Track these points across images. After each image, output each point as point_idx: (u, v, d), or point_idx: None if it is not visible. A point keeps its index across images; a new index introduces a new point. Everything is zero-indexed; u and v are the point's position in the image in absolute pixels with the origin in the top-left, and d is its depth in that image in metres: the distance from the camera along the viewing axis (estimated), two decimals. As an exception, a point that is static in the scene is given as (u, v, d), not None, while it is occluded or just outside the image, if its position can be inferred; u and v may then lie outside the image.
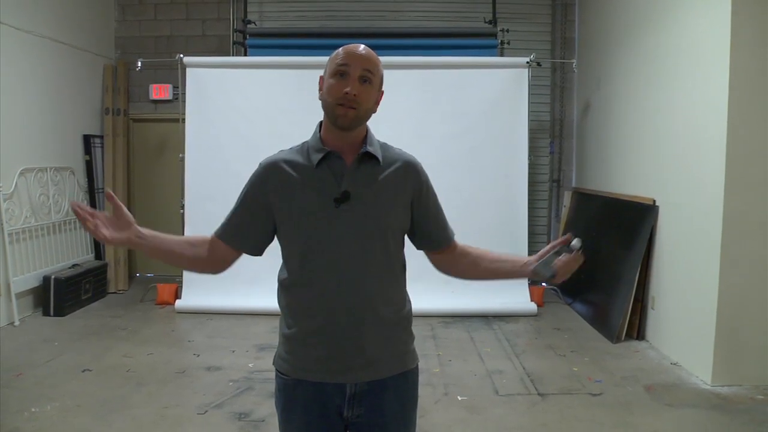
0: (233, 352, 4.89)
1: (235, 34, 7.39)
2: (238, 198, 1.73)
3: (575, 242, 1.69)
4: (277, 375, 1.75)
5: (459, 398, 3.98)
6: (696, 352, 4.42)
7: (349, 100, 1.60)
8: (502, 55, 6.87)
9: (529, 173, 6.31)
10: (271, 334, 5.33)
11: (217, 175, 6.20)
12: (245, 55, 7.12)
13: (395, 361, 1.74)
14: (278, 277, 1.75)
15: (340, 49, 1.66)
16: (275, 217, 1.68)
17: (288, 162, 1.69)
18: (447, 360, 4.74)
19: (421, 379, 4.29)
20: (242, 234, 1.72)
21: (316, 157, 1.65)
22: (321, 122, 1.73)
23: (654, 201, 5.17)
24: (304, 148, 1.71)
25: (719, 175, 4.18)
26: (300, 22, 7.51)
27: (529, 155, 6.29)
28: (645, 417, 3.74)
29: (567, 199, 7.44)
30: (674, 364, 4.65)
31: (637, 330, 5.24)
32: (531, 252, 6.55)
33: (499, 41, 6.90)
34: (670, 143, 4.97)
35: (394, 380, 1.72)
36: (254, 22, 7.37)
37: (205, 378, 4.34)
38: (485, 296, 6.00)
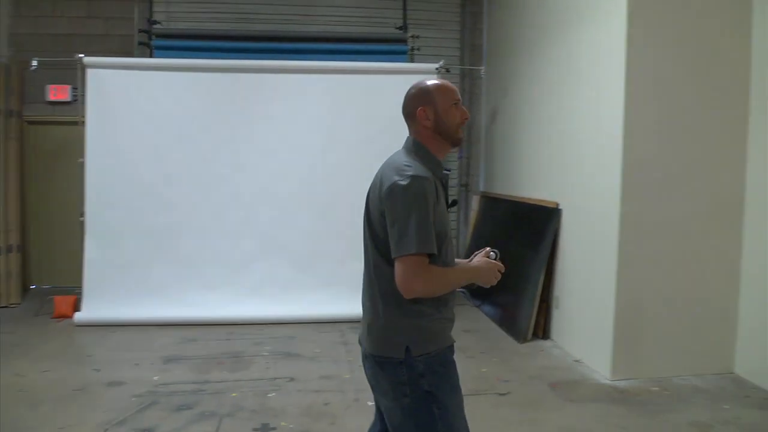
0: (137, 365, 4.69)
1: (139, 34, 7.12)
2: (425, 209, 1.81)
3: (492, 255, 2.05)
4: (437, 354, 1.93)
5: (369, 404, 3.97)
6: (596, 348, 4.62)
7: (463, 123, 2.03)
8: (412, 60, 6.97)
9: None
10: (178, 345, 5.16)
11: (122, 182, 6.00)
12: (151, 56, 6.88)
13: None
14: None
15: (445, 84, 2.03)
16: None
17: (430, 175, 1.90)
18: (358, 365, 4.70)
19: (332, 385, 4.30)
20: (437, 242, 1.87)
21: (441, 173, 1.99)
22: (418, 141, 2.00)
23: (557, 204, 5.37)
24: (425, 164, 1.93)
25: (616, 179, 4.39)
26: (209, 24, 7.33)
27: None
28: (550, 413, 3.87)
29: (475, 203, 7.61)
30: (577, 361, 4.84)
31: (542, 329, 5.42)
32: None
33: (410, 47, 7.00)
34: (571, 149, 5.18)
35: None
36: (160, 23, 7.13)
37: (106, 394, 4.14)
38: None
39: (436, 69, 6.32)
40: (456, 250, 7.56)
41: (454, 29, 7.71)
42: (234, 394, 4.12)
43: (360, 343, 2.08)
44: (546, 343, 5.30)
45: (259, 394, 4.13)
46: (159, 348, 5.09)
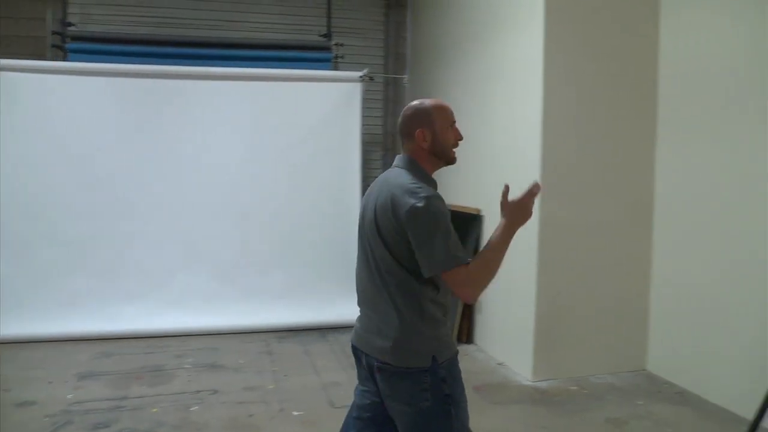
0: (50, 383, 4.47)
1: (52, 36, 6.82)
2: (445, 225, 1.92)
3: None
4: (453, 358, 2.04)
5: (294, 413, 3.94)
6: (518, 351, 4.75)
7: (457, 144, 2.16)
8: (336, 68, 6.97)
9: (362, 185, 6.39)
10: (94, 361, 4.96)
11: (36, 191, 5.75)
12: (65, 60, 6.60)
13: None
14: (425, 289, 1.97)
15: (442, 105, 2.15)
16: None
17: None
18: (282, 375, 4.69)
19: (256, 396, 4.25)
20: None
21: (436, 188, 2.07)
22: (414, 161, 2.10)
23: (479, 211, 5.49)
24: (424, 181, 2.02)
25: (534, 186, 4.51)
26: (129, 27, 7.08)
27: (362, 167, 6.42)
28: (474, 416, 3.82)
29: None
30: (500, 364, 4.95)
31: (466, 334, 5.52)
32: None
33: (334, 55, 7.01)
34: (492, 156, 5.30)
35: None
36: (75, 25, 6.86)
37: (16, 416, 3.92)
38: (320, 309, 6.01)
39: (360, 77, 6.35)
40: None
41: (378, 38, 7.77)
42: (154, 410, 3.99)
43: (356, 351, 2.18)
44: (470, 348, 5.40)
45: (181, 408, 4.02)
46: (74, 364, 4.87)
